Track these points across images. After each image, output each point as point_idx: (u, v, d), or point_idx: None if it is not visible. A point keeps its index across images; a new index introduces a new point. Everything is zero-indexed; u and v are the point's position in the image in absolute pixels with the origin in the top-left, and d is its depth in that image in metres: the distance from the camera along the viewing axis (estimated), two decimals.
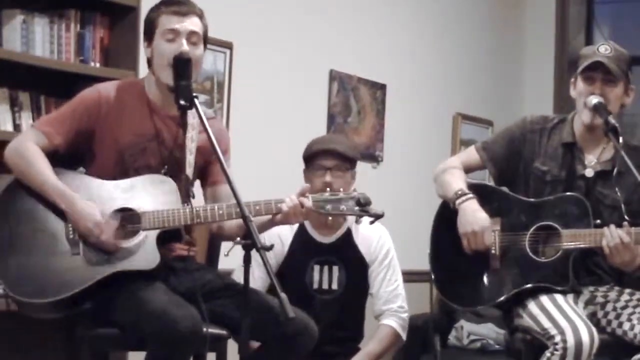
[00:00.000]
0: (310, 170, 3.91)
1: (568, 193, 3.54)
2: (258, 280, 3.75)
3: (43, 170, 3.13)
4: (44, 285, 3.04)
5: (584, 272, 3.57)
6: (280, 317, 2.75)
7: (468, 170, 3.72)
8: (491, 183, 3.78)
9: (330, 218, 3.65)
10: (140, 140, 3.23)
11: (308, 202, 3.15)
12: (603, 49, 3.53)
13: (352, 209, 3.15)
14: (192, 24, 3.21)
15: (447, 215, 3.61)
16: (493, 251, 3.55)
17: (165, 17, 3.20)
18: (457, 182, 3.61)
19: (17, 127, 3.69)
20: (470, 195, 3.55)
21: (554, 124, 3.67)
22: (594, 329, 3.27)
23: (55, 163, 3.17)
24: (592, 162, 3.60)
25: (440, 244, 3.69)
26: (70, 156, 3.24)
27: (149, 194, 3.16)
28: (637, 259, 3.40)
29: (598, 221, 3.45)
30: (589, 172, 3.58)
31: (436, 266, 3.69)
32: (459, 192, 3.55)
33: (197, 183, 3.41)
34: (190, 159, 3.25)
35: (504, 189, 3.69)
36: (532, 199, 3.59)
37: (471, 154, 3.75)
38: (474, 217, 3.51)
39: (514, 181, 3.67)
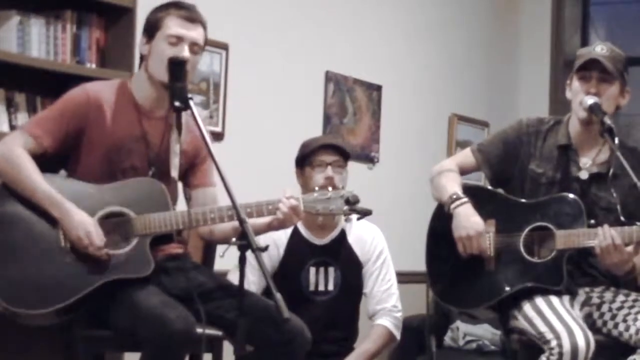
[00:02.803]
0: (309, 167, 3.90)
1: (562, 193, 3.54)
2: (252, 284, 3.76)
3: (33, 177, 3.07)
4: (36, 295, 3.00)
5: (580, 273, 3.57)
6: (277, 319, 2.75)
7: (463, 172, 3.72)
8: (487, 185, 3.79)
9: (320, 218, 3.77)
10: (127, 141, 3.19)
11: (299, 204, 3.16)
12: (599, 49, 3.54)
13: (341, 209, 3.17)
14: (197, 33, 3.19)
15: (443, 217, 3.61)
16: (488, 253, 3.56)
17: (173, 20, 3.17)
18: (452, 185, 3.61)
19: (13, 128, 3.67)
20: (465, 199, 3.55)
21: (550, 126, 3.67)
22: (589, 333, 3.27)
23: (38, 165, 3.10)
24: (587, 164, 3.60)
25: (436, 245, 3.70)
26: (53, 157, 3.18)
27: (138, 198, 3.13)
28: (628, 264, 3.39)
29: (592, 221, 3.45)
30: (584, 175, 3.58)
31: (432, 267, 3.69)
32: (454, 197, 3.55)
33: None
34: (175, 161, 3.23)
35: (500, 191, 3.70)
36: (526, 200, 3.59)
37: (467, 156, 3.75)
38: (468, 221, 3.51)
39: (509, 183, 3.67)
